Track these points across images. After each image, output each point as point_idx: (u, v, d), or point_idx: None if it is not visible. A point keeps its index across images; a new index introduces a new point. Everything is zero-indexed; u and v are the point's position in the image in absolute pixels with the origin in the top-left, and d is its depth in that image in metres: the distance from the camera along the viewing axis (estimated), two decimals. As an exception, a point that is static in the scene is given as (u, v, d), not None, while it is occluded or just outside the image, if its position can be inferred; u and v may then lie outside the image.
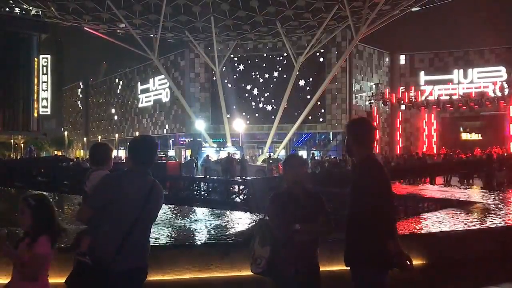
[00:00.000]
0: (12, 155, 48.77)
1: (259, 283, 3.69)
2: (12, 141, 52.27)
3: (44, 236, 3.11)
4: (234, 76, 46.81)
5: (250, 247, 3.59)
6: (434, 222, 9.04)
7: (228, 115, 43.25)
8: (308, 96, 41.81)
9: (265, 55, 47.23)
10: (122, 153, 57.41)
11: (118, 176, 3.39)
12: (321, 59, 45.13)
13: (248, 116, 45.52)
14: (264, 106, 46.79)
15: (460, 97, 41.37)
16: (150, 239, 3.40)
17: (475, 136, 45.05)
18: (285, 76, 44.04)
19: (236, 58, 47.02)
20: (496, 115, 41.32)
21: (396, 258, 3.10)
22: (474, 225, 8.65)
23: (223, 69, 44.33)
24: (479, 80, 44.26)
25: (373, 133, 3.35)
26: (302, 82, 43.57)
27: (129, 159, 3.38)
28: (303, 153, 39.98)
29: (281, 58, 45.80)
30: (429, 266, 6.74)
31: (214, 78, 44.32)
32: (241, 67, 47.51)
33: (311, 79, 44.36)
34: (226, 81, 45.10)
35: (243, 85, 47.11)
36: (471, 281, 6.17)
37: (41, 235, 3.11)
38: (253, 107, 46.97)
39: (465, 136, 45.72)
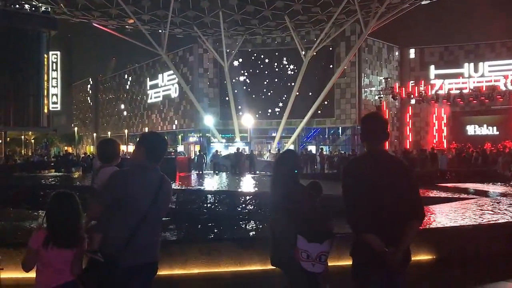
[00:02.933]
0: (23, 151, 49.17)
1: (268, 277, 3.69)
2: (22, 137, 52.68)
3: (38, 231, 3.21)
4: (243, 71, 46.77)
5: (280, 248, 3.51)
6: (443, 217, 8.97)
7: (237, 110, 43.24)
8: (317, 91, 41.64)
9: (273, 49, 47.09)
10: (131, 149, 57.60)
11: (127, 172, 3.40)
12: (330, 54, 44.89)
13: (257, 111, 45.45)
14: (273, 101, 46.68)
15: (470, 91, 41.01)
16: (160, 234, 3.41)
17: (485, 131, 44.63)
18: (293, 70, 43.95)
19: (244, 53, 46.91)
20: (507, 109, 40.94)
21: (379, 254, 2.97)
22: (485, 219, 8.57)
23: (232, 64, 44.26)
24: (490, 73, 43.78)
25: (370, 130, 3.27)
26: (311, 77, 43.36)
27: (141, 154, 3.37)
28: (312, 148, 39.91)
29: (289, 52, 45.61)
30: (439, 262, 6.70)
31: (223, 73, 44.29)
32: (250, 62, 47.40)
33: (320, 74, 44.15)
34: (234, 76, 45.06)
35: (251, 80, 47.04)
36: (482, 277, 6.12)
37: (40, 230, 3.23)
38: (262, 102, 46.85)
39: (475, 130, 45.30)
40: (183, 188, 10.90)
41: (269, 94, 46.97)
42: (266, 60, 47.10)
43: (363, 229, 3.06)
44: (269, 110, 46.60)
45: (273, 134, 45.49)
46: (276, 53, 46.94)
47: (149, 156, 3.35)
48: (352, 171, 3.28)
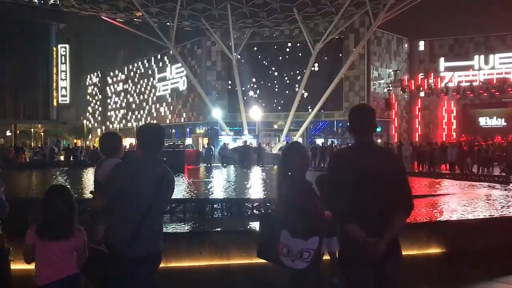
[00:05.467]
0: (33, 144, 49.55)
1: (278, 270, 3.67)
2: (32, 129, 53.10)
3: (31, 226, 3.26)
4: (251, 64, 46.60)
5: (267, 242, 3.48)
6: (452, 210, 8.91)
7: (245, 103, 43.17)
8: (326, 84, 41.46)
9: (282, 42, 46.87)
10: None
11: (130, 164, 3.46)
12: (339, 46, 44.60)
13: (265, 104, 45.34)
14: (281, 94, 46.55)
15: (481, 83, 40.68)
16: (166, 224, 3.43)
17: (495, 123, 44.28)
18: (302, 63, 43.70)
19: (252, 46, 46.76)
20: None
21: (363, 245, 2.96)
22: (496, 212, 8.50)
23: (240, 57, 44.14)
24: (501, 66, 43.30)
25: (357, 121, 3.25)
26: (319, 69, 43.15)
27: (139, 146, 3.41)
28: (320, 141, 39.81)
29: (298, 45, 45.38)
30: (449, 255, 6.66)
31: (231, 66, 44.17)
32: (258, 54, 47.24)
33: (328, 66, 43.91)
34: (242, 69, 44.91)
35: (259, 73, 46.89)
36: (493, 270, 6.07)
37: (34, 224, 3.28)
38: (270, 95, 46.74)
39: (485, 123, 44.96)
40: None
41: (277, 86, 46.84)
42: (275, 53, 46.91)
43: (345, 218, 3.05)
44: (277, 103, 46.49)
45: (275, 126, 45.40)
46: (285, 46, 46.73)
47: (146, 147, 3.38)
48: (339, 160, 3.27)
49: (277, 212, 3.48)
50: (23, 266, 5.06)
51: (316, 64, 41.17)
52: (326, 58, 43.58)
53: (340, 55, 44.36)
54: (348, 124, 3.30)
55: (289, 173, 3.56)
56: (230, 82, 46.66)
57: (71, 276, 3.24)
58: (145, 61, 63.68)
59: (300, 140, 43.28)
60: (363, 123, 3.24)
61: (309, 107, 42.44)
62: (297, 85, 42.32)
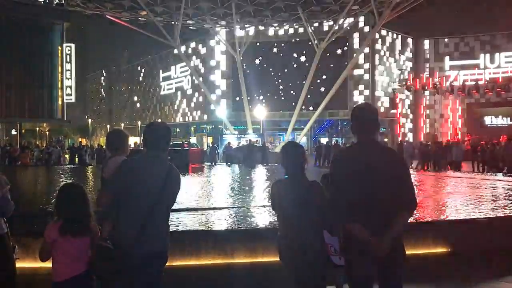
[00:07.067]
0: (38, 142, 49.75)
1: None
2: (37, 128, 53.30)
3: (52, 222, 3.29)
4: (255, 63, 46.60)
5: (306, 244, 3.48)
6: (459, 209, 8.87)
7: (250, 102, 43.15)
8: (330, 82, 41.39)
9: (286, 41, 46.82)
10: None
11: (135, 161, 3.48)
12: (343, 45, 44.52)
13: (269, 103, 45.36)
14: (286, 92, 46.53)
15: (486, 82, 40.53)
16: (171, 223, 3.43)
17: (501, 122, 44.07)
18: (306, 62, 43.67)
19: (257, 45, 46.73)
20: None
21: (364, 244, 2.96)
22: (500, 212, 8.45)
23: (244, 56, 44.09)
24: (507, 64, 43.13)
25: (360, 121, 3.23)
26: (324, 68, 43.12)
27: (144, 144, 3.47)
28: (324, 140, 39.73)
29: (302, 44, 45.33)
30: (455, 254, 6.63)
31: (235, 65, 44.16)
32: (262, 53, 47.22)
33: (333, 65, 43.87)
34: (247, 68, 44.90)
35: (264, 71, 46.87)
36: (499, 270, 6.04)
37: (53, 220, 3.31)
38: (274, 93, 46.76)
39: (491, 122, 44.76)
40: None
41: (281, 86, 46.84)
42: (279, 52, 46.91)
43: (348, 217, 3.04)
44: (282, 102, 46.47)
45: (282, 126, 45.36)
46: (289, 45, 46.69)
47: (152, 146, 3.41)
48: (343, 160, 3.27)
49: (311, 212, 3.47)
50: (28, 265, 5.08)
51: (321, 63, 41.06)
52: (330, 57, 43.49)
53: (345, 54, 44.29)
54: (351, 123, 3.30)
55: (286, 176, 3.58)
56: (234, 81, 46.66)
57: (85, 272, 3.29)
58: (150, 60, 63.86)
59: (304, 139, 43.27)
60: (365, 122, 3.23)
61: (314, 106, 42.36)
62: (301, 84, 42.24)
